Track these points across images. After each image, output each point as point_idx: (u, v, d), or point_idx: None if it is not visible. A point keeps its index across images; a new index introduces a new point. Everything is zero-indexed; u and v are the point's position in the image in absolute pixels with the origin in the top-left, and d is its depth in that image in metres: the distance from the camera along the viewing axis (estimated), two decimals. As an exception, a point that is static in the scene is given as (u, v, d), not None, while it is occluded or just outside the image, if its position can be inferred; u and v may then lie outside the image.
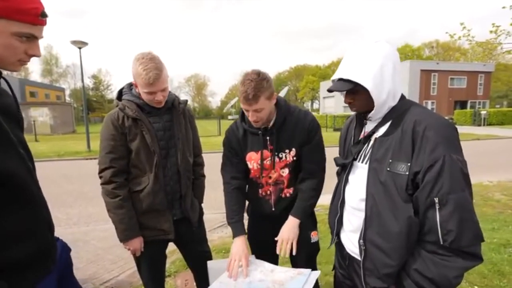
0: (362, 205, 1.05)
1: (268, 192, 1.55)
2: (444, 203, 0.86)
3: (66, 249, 1.13)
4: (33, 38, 0.82)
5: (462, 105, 31.93)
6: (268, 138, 1.45)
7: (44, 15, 0.82)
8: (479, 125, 23.34)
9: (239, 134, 1.51)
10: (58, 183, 6.61)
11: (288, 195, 1.53)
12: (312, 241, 1.58)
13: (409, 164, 0.92)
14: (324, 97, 44.64)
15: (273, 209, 1.54)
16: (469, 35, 4.14)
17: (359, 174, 1.09)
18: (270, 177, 1.51)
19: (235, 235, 1.47)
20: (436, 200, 0.87)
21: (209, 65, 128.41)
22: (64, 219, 4.40)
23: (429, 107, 31.33)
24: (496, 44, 4.00)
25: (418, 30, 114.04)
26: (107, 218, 1.48)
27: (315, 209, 1.62)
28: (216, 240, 3.45)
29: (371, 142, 1.06)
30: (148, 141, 1.45)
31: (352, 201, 1.12)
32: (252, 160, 1.50)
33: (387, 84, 1.00)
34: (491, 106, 33.19)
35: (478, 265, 0.90)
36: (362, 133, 1.13)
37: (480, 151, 10.43)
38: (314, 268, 1.62)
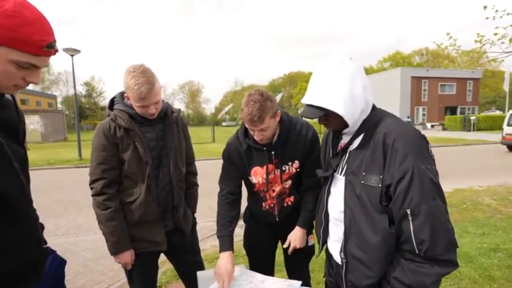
0: (342, 216, 1.08)
1: (272, 204, 1.58)
2: (416, 213, 0.89)
3: (61, 262, 1.11)
4: (33, 67, 0.81)
5: (452, 111, 32.61)
6: (273, 153, 1.47)
7: (51, 46, 0.80)
8: (469, 130, 23.83)
9: (241, 149, 1.50)
10: (48, 192, 6.48)
11: (290, 203, 1.59)
12: (309, 244, 1.64)
13: (381, 176, 0.95)
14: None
15: (277, 219, 1.59)
16: (455, 44, 4.25)
17: (339, 186, 1.11)
18: (273, 191, 1.55)
19: (221, 250, 1.47)
20: (408, 211, 0.89)
21: (203, 72, 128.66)
22: (53, 229, 4.30)
23: (420, 113, 31.95)
24: (481, 53, 4.12)
25: (407, 37, 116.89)
26: (96, 228, 1.46)
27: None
28: (208, 249, 3.41)
29: (347, 155, 1.09)
30: (141, 152, 1.44)
31: (334, 212, 1.15)
32: (258, 174, 1.51)
33: (359, 104, 1.01)
34: (480, 112, 33.95)
35: (454, 270, 0.93)
36: (339, 145, 1.15)
37: (470, 156, 10.63)
38: (307, 270, 1.72)
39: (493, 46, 3.91)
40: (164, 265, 2.96)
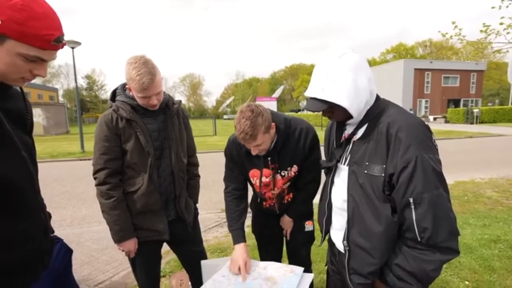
0: (345, 205, 1.10)
1: (272, 204, 1.65)
2: (419, 202, 0.90)
3: (67, 251, 1.13)
4: (40, 60, 0.82)
5: (455, 103, 32.35)
6: (269, 158, 1.49)
7: (58, 40, 0.80)
8: (472, 123, 23.67)
9: (241, 152, 1.52)
10: (51, 184, 6.54)
11: (289, 199, 1.65)
12: (306, 230, 1.71)
13: (384, 166, 0.96)
14: (319, 96, 44.66)
15: (278, 213, 1.68)
16: (460, 34, 4.20)
17: (343, 176, 1.12)
18: (273, 193, 1.59)
19: (235, 242, 1.52)
20: (411, 200, 0.90)
21: (204, 65, 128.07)
22: (58, 220, 4.36)
23: (423, 105, 31.71)
24: (486, 44, 4.06)
25: (409, 29, 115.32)
26: (100, 220, 1.48)
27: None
28: (211, 240, 3.45)
29: (351, 145, 1.10)
30: (143, 142, 1.45)
31: (337, 202, 1.16)
32: (255, 177, 1.56)
33: (364, 95, 1.01)
34: (483, 104, 33.66)
35: (455, 257, 0.94)
36: (343, 136, 1.16)
37: (473, 149, 10.59)
38: (307, 256, 1.78)
39: (498, 36, 3.87)
40: (168, 255, 3.00)
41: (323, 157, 1.32)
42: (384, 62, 46.97)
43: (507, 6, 3.64)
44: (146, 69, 1.34)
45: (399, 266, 0.96)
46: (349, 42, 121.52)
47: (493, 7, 3.74)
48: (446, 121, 26.21)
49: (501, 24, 3.61)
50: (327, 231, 1.28)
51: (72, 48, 10.40)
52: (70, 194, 5.77)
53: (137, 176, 1.49)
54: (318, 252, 2.88)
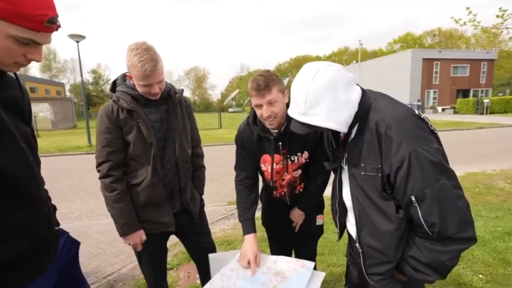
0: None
1: (283, 193, 1.60)
2: (421, 199, 0.86)
3: (74, 244, 1.11)
4: (34, 43, 0.77)
5: (465, 93, 31.59)
6: (280, 143, 1.44)
7: (52, 22, 0.75)
8: (482, 113, 23.14)
9: (253, 138, 1.48)
10: (60, 178, 6.61)
11: (301, 190, 1.60)
12: (316, 224, 1.68)
13: (379, 165, 0.94)
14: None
15: (289, 204, 1.62)
16: (474, 20, 4.03)
17: (346, 175, 1.11)
18: (283, 179, 1.54)
19: (245, 233, 1.48)
20: (413, 198, 0.87)
21: (208, 58, 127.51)
22: (66, 213, 4.40)
23: (431, 96, 31.06)
24: (502, 30, 3.89)
25: (417, 18, 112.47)
26: (108, 212, 1.46)
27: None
28: (218, 233, 3.44)
29: (347, 147, 1.08)
30: (145, 133, 1.41)
31: (347, 201, 1.15)
32: (267, 162, 1.51)
33: (347, 108, 0.98)
34: (493, 94, 32.83)
35: (473, 245, 0.90)
36: (341, 135, 1.13)
37: (483, 140, 10.35)
38: (314, 247, 1.78)
39: (516, 21, 3.69)
40: (176, 247, 3.00)
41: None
42: (391, 53, 46.01)
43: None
44: (148, 55, 1.29)
45: (413, 258, 0.94)
46: (354, 32, 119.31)
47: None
48: (455, 112, 25.67)
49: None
50: (342, 228, 1.27)
51: (77, 42, 10.42)
52: (78, 187, 5.83)
53: (140, 168, 1.45)
54: (326, 244, 2.84)
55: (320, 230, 1.72)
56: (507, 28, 3.68)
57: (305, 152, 1.48)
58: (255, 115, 1.45)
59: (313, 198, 1.60)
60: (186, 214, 1.60)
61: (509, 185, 4.83)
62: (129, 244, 1.48)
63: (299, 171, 1.53)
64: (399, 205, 0.95)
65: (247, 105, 52.01)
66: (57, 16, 0.77)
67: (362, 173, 0.99)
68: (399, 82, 29.14)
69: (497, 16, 3.88)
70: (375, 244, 1.01)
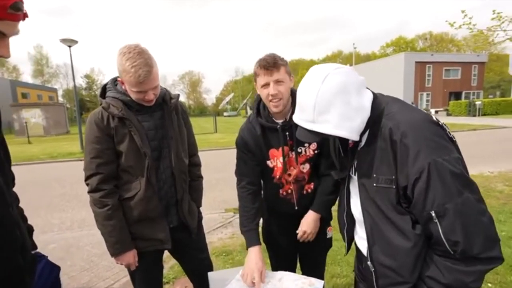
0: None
1: (289, 191, 1.47)
2: (442, 214, 0.78)
3: (53, 269, 0.99)
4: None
5: (457, 96, 32.06)
6: (287, 133, 1.36)
7: (16, 7, 0.66)
8: (474, 115, 23.43)
9: (256, 133, 1.39)
10: (51, 186, 6.41)
11: (309, 190, 1.47)
12: (327, 236, 1.57)
13: (393, 177, 0.86)
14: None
15: (296, 208, 1.47)
16: (470, 23, 4.03)
17: (355, 186, 1.04)
18: (289, 175, 1.42)
19: (249, 245, 1.37)
20: (433, 213, 0.79)
21: (203, 62, 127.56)
22: (57, 223, 4.24)
23: (424, 99, 31.42)
24: (498, 32, 3.89)
25: (409, 22, 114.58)
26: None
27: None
28: (215, 242, 3.32)
29: (356, 155, 1.00)
30: (138, 143, 1.30)
31: (356, 213, 1.07)
32: (275, 156, 1.41)
33: (360, 114, 0.90)
34: (484, 97, 33.38)
35: (499, 265, 0.82)
36: (349, 142, 1.05)
37: (478, 141, 10.42)
38: (323, 262, 1.66)
39: (511, 24, 3.69)
40: (171, 259, 2.87)
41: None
42: (384, 56, 46.61)
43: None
44: (142, 59, 1.19)
45: (432, 278, 0.85)
46: (348, 36, 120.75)
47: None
48: (448, 114, 25.98)
49: (518, 9, 3.45)
50: (350, 240, 1.18)
51: (69, 46, 10.29)
52: (69, 195, 5.64)
53: (133, 181, 1.34)
54: (328, 254, 2.74)
55: (330, 243, 1.62)
56: (504, 30, 3.68)
57: (313, 142, 1.38)
58: (258, 108, 1.40)
59: (329, 196, 1.42)
60: (183, 229, 1.49)
61: (508, 188, 4.81)
62: (121, 264, 1.37)
63: (307, 166, 1.42)
64: (416, 220, 0.86)
65: (242, 109, 52.00)
66: (22, 1, 0.67)
67: (374, 184, 0.91)
68: (392, 85, 29.37)
69: (493, 18, 3.89)
70: (389, 262, 0.92)
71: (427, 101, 31.66)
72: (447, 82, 31.90)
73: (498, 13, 3.86)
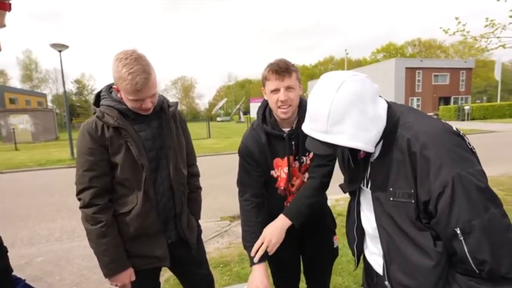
0: (377, 233, 0.95)
1: None
2: (468, 232, 0.73)
3: None
4: None
5: (446, 101, 32.79)
6: (293, 142, 1.32)
7: None
8: (463, 120, 23.93)
9: (261, 141, 1.33)
10: (39, 195, 6.19)
11: None
12: (334, 246, 1.52)
13: (412, 191, 0.81)
14: (312, 97, 45.10)
15: None
16: (464, 30, 4.10)
17: (367, 199, 0.98)
18: (292, 185, 1.38)
19: (253, 263, 1.28)
20: (458, 230, 0.74)
21: (196, 67, 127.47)
22: (45, 235, 4.06)
23: (415, 104, 32.01)
24: (491, 39, 3.95)
25: (398, 29, 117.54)
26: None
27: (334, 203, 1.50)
28: (212, 253, 3.21)
29: (369, 167, 0.95)
30: (135, 154, 1.22)
31: (368, 228, 1.02)
32: (280, 166, 1.35)
33: (376, 124, 0.85)
34: (472, 101, 34.26)
35: None
36: (359, 154, 0.99)
37: (469, 146, 10.57)
38: (330, 273, 1.61)
39: (504, 31, 3.76)
40: (167, 271, 2.76)
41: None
42: (375, 62, 47.48)
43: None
44: (139, 66, 1.12)
45: None
46: (339, 42, 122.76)
47: (498, 0, 3.64)
48: (438, 119, 26.43)
49: (511, 17, 3.51)
50: (359, 254, 1.12)
51: (59, 51, 10.08)
52: (59, 204, 5.45)
53: (129, 194, 1.26)
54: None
55: (337, 252, 1.56)
56: (498, 37, 3.74)
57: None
58: (264, 114, 1.36)
59: (305, 200, 1.28)
60: (182, 245, 1.41)
61: (502, 192, 4.86)
62: (116, 285, 1.27)
63: (307, 175, 1.38)
64: (436, 236, 0.81)
65: (235, 114, 51.99)
66: None
67: (391, 198, 0.85)
68: (383, 90, 29.80)
69: (486, 25, 3.95)
70: (408, 282, 0.86)
71: (418, 106, 32.25)
72: (437, 87, 32.62)
73: (491, 20, 3.93)
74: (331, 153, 0.90)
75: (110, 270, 1.23)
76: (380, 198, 0.90)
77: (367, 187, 0.97)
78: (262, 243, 1.24)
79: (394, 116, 0.87)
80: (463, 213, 0.73)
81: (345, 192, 1.10)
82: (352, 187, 1.04)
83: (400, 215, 0.84)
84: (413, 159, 0.79)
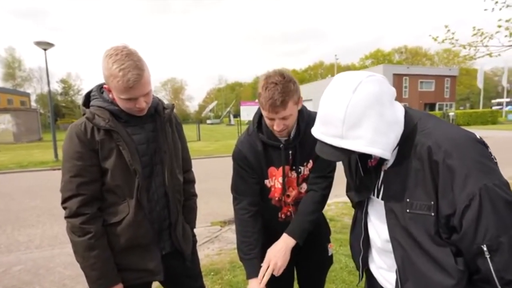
0: (389, 246, 0.89)
1: (289, 213, 1.36)
2: (495, 249, 0.69)
3: None
4: None
5: (431, 107, 33.78)
6: (290, 152, 1.26)
7: None
8: (448, 126, 24.67)
9: (257, 148, 1.26)
10: (19, 199, 5.89)
11: None
12: (329, 254, 1.48)
13: (432, 202, 0.76)
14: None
15: None
16: (452, 38, 4.19)
17: (379, 211, 0.92)
18: (288, 196, 1.32)
19: (250, 276, 1.22)
20: (485, 247, 0.69)
21: (186, 69, 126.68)
22: (24, 241, 3.84)
23: (402, 109, 32.77)
24: (479, 47, 4.05)
25: (385, 36, 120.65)
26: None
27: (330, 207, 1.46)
28: (202, 260, 3.10)
29: (381, 175, 0.89)
30: (127, 158, 1.13)
31: (378, 241, 0.97)
32: (274, 176, 1.29)
33: (394, 129, 0.80)
34: (456, 108, 35.43)
35: None
36: (370, 161, 0.94)
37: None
38: (323, 282, 1.56)
39: (491, 40, 3.87)
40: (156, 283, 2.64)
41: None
42: (364, 68, 48.51)
43: (500, 9, 3.65)
44: (131, 62, 1.04)
45: None
46: (329, 47, 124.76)
47: (485, 9, 3.75)
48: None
49: (499, 26, 3.61)
50: (363, 267, 1.06)
51: (45, 49, 9.75)
52: (40, 209, 5.19)
53: (121, 203, 1.16)
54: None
55: (331, 260, 1.52)
56: (486, 46, 3.84)
57: (310, 161, 1.30)
58: (259, 122, 1.28)
59: (308, 217, 1.26)
60: (177, 256, 1.32)
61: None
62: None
63: (304, 186, 1.33)
64: (457, 252, 0.75)
65: (225, 116, 51.77)
66: None
67: (408, 210, 0.80)
68: (372, 96, 30.36)
69: (474, 34, 4.05)
70: None
71: (404, 111, 33.07)
72: (423, 93, 33.55)
73: (479, 29, 4.03)
74: (344, 159, 0.84)
75: (99, 286, 1.12)
76: (394, 209, 0.84)
77: (377, 197, 0.91)
78: (268, 267, 1.20)
79: (412, 122, 0.83)
80: (490, 229, 0.68)
81: (354, 202, 1.05)
82: (362, 197, 0.98)
83: (418, 228, 0.79)
84: (434, 168, 0.74)
